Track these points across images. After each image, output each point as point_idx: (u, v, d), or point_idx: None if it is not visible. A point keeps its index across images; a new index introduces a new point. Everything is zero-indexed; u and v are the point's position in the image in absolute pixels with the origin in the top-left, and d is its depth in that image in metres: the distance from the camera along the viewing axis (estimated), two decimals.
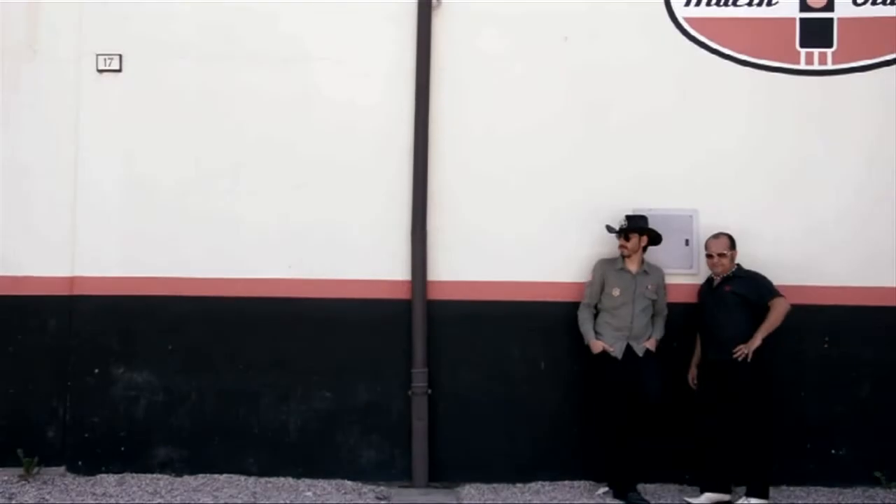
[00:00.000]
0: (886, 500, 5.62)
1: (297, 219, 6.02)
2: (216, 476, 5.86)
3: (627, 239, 5.67)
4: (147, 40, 6.09)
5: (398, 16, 6.06)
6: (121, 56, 6.07)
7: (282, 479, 5.87)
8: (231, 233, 6.02)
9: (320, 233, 6.01)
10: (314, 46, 6.10)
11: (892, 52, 6.04)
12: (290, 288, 5.99)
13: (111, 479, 5.82)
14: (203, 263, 6.00)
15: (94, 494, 5.55)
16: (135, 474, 5.87)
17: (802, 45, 6.10)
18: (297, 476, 5.90)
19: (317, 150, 6.05)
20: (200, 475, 5.87)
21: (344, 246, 6.01)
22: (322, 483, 5.83)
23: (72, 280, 6.03)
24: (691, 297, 5.84)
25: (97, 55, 6.07)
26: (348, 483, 5.85)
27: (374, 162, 6.05)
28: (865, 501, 5.60)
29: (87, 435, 5.97)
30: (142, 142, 6.07)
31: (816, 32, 6.10)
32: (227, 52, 6.08)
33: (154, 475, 5.87)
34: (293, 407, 5.99)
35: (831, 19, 6.10)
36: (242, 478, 5.86)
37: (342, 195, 6.03)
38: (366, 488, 5.78)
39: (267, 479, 5.86)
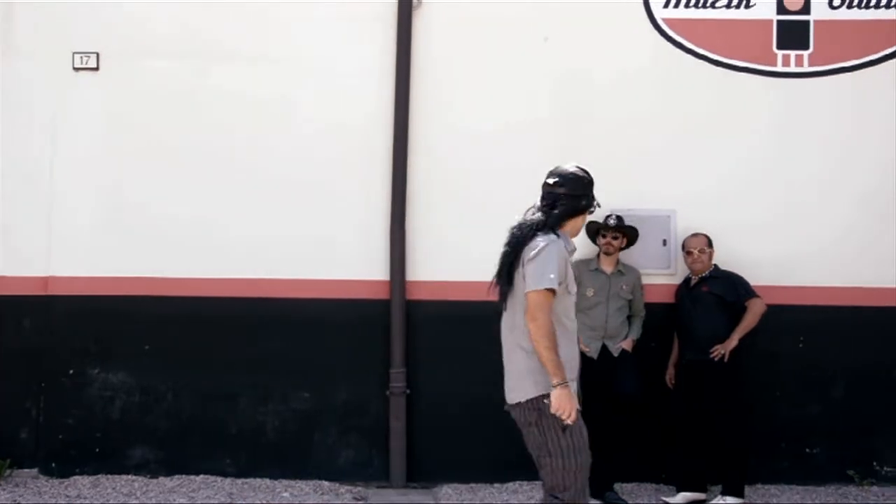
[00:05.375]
0: (859, 498, 5.68)
1: (275, 219, 5.99)
2: (192, 477, 5.82)
3: (615, 238, 5.69)
4: (126, 38, 6.03)
5: (378, 16, 6.04)
6: (98, 54, 6.01)
7: (259, 479, 5.84)
8: (208, 232, 5.97)
9: (299, 233, 5.98)
10: (293, 47, 6.06)
11: (866, 56, 6.10)
12: (269, 288, 5.96)
13: (85, 480, 5.77)
14: (180, 263, 5.95)
15: (67, 497, 5.50)
16: (109, 476, 5.81)
17: (780, 48, 6.14)
18: (275, 477, 5.88)
19: (295, 149, 6.02)
20: (176, 476, 5.83)
21: (322, 246, 5.98)
22: (299, 484, 5.81)
23: (46, 280, 5.97)
24: (669, 298, 5.87)
25: (74, 53, 6.00)
26: (326, 483, 5.83)
27: (352, 162, 6.03)
28: (838, 499, 5.66)
29: (60, 436, 5.91)
30: (119, 140, 6.02)
31: (793, 35, 6.14)
32: (205, 52, 6.03)
33: (129, 477, 5.82)
34: (271, 407, 5.96)
35: (808, 22, 6.15)
36: (219, 479, 5.82)
37: (321, 195, 6.01)
38: (343, 489, 5.77)
39: (244, 479, 5.82)
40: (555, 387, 3.39)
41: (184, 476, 5.83)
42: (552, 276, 3.43)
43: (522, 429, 3.59)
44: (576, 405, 3.44)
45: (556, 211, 3.62)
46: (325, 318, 5.94)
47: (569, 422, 3.40)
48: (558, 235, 3.58)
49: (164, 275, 5.94)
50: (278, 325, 5.95)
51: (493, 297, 3.74)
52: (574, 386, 3.55)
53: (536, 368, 3.48)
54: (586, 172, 3.75)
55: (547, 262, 3.45)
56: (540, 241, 3.50)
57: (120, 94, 6.02)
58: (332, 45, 6.06)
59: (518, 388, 3.56)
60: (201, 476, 5.84)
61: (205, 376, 5.93)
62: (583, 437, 3.51)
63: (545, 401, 3.44)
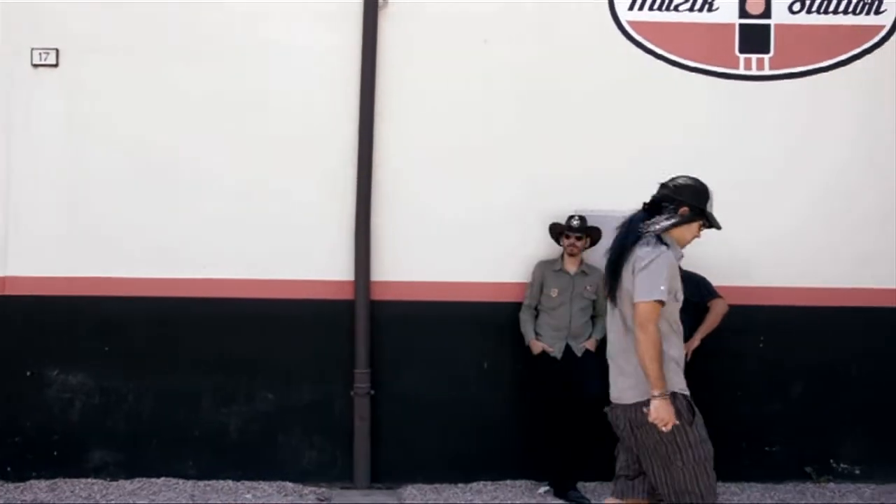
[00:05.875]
0: (816, 494, 5.79)
1: (237, 218, 5.93)
2: (153, 480, 5.74)
3: (580, 238, 5.72)
4: (86, 34, 5.91)
5: (344, 14, 5.99)
6: (58, 50, 5.90)
7: (221, 481, 5.78)
8: (169, 232, 5.90)
9: (262, 232, 5.93)
10: (256, 42, 5.99)
11: (825, 60, 6.20)
12: (231, 288, 5.90)
13: (42, 484, 5.66)
14: (141, 263, 5.87)
15: (23, 501, 5.40)
16: (67, 479, 5.71)
17: (741, 51, 6.22)
18: (237, 478, 5.82)
19: (258, 147, 5.96)
20: (137, 479, 5.74)
21: (286, 246, 5.93)
22: (262, 485, 5.76)
23: (3, 280, 5.85)
24: None
25: (32, 49, 5.87)
26: (289, 485, 5.79)
27: (317, 161, 5.99)
28: (796, 496, 5.75)
29: (17, 439, 5.80)
30: (78, 137, 5.91)
31: (754, 38, 6.23)
32: (169, 49, 5.95)
33: (88, 480, 5.72)
34: (234, 408, 5.90)
35: (769, 26, 6.23)
36: (180, 481, 5.75)
37: (284, 194, 5.96)
38: (307, 489, 5.74)
39: (206, 481, 5.76)
40: (655, 397, 3.47)
41: (144, 479, 5.75)
42: (662, 287, 3.49)
43: (634, 429, 3.62)
44: (674, 417, 3.50)
45: (663, 217, 3.66)
46: (289, 318, 5.89)
47: (665, 430, 3.48)
48: (667, 244, 3.62)
49: (123, 275, 5.85)
50: (241, 326, 5.89)
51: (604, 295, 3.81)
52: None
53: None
54: (701, 184, 3.76)
55: (658, 273, 3.50)
56: (651, 252, 3.55)
57: (80, 91, 5.91)
58: (296, 41, 6.00)
59: (636, 388, 3.60)
60: (162, 478, 5.76)
61: (166, 377, 5.85)
62: (703, 428, 3.62)
63: (673, 398, 3.53)
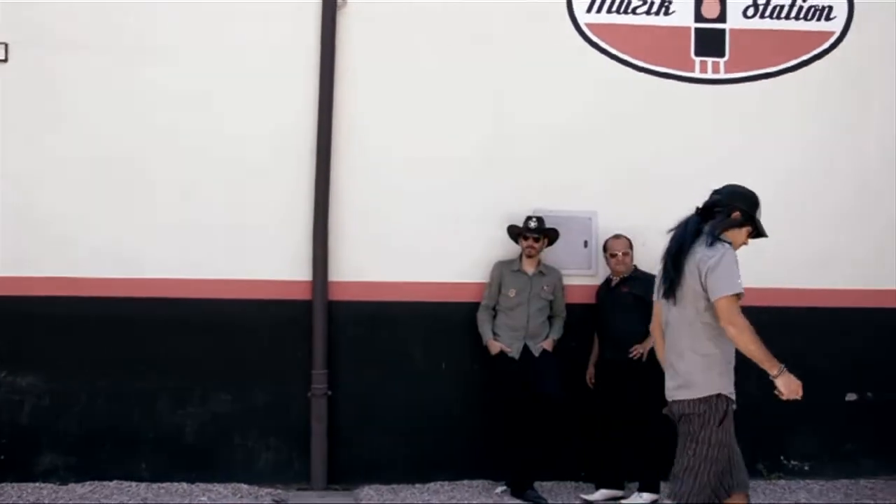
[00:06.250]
0: (767, 491, 5.89)
1: (194, 217, 5.85)
2: (105, 483, 5.64)
3: (537, 240, 5.75)
4: (37, 29, 5.78)
5: (302, 12, 5.95)
6: (6, 45, 5.74)
7: (176, 484, 5.70)
8: (124, 232, 5.80)
9: (219, 232, 5.86)
10: (213, 42, 5.92)
11: (778, 64, 6.31)
12: (187, 289, 5.82)
13: None
14: (94, 263, 5.75)
15: None
16: (15, 484, 5.57)
17: (697, 54, 6.30)
18: (192, 481, 5.75)
19: (215, 147, 5.89)
20: (88, 482, 5.63)
21: (244, 246, 5.87)
22: (218, 487, 5.70)
23: None
24: (589, 298, 5.97)
25: None
26: (245, 486, 5.73)
27: (275, 161, 5.93)
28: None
29: None
30: (28, 135, 5.77)
31: (710, 42, 6.31)
32: (122, 45, 5.84)
33: (37, 484, 5.59)
34: (189, 410, 5.83)
35: (724, 30, 6.32)
36: (133, 484, 5.66)
37: (242, 194, 5.90)
38: (263, 491, 5.68)
39: (160, 484, 5.67)
40: (776, 377, 3.64)
41: (96, 482, 5.64)
42: (739, 280, 3.64)
43: (678, 422, 3.78)
44: (800, 385, 3.65)
45: (718, 220, 3.80)
46: (246, 319, 5.84)
47: (797, 397, 3.63)
48: (727, 242, 3.75)
49: (75, 275, 5.74)
50: (198, 327, 5.81)
51: (659, 294, 3.89)
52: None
53: (712, 369, 3.71)
54: (752, 192, 3.93)
55: (730, 268, 3.64)
56: (716, 250, 3.68)
57: (30, 87, 5.77)
58: (255, 41, 5.94)
59: (693, 385, 3.73)
60: (115, 482, 5.66)
61: (120, 379, 5.75)
62: (731, 434, 3.77)
63: (717, 398, 3.69)
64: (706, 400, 3.70)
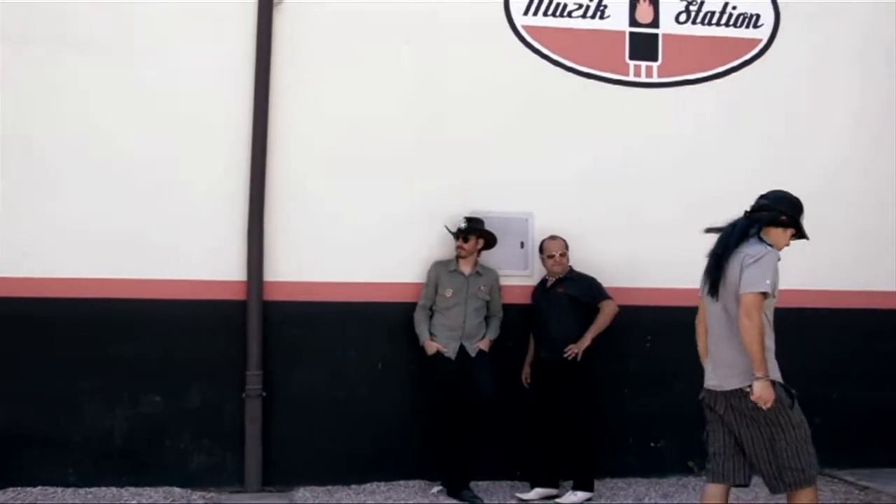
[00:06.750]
0: (697, 487, 5.98)
1: (125, 216, 5.71)
2: (28, 489, 5.46)
3: (466, 240, 5.76)
4: None
5: (239, 10, 5.86)
6: None
7: (105, 488, 5.56)
8: (51, 231, 5.63)
9: (151, 232, 5.74)
10: (149, 39, 5.80)
11: (709, 69, 6.46)
12: (118, 289, 5.68)
13: None
14: (20, 262, 5.57)
15: None
16: None
17: (631, 58, 6.41)
18: (122, 485, 5.61)
19: (150, 146, 5.77)
20: (10, 489, 5.44)
21: (177, 245, 5.76)
22: (149, 491, 5.57)
23: None
24: (526, 298, 6.02)
25: None
26: (177, 490, 5.62)
27: (210, 160, 5.83)
28: (679, 489, 5.96)
29: None
30: None
31: (644, 46, 6.43)
32: (66, 40, 5.68)
33: None
34: (119, 412, 5.69)
35: (657, 35, 6.44)
36: (59, 489, 5.49)
37: (175, 193, 5.78)
38: (195, 495, 5.59)
39: (87, 489, 5.53)
40: (758, 379, 3.85)
41: (18, 488, 5.46)
42: (768, 281, 3.92)
43: (737, 413, 4.00)
44: (773, 396, 3.87)
45: (758, 220, 4.09)
46: (179, 319, 5.73)
47: (764, 408, 3.87)
48: (769, 244, 4.03)
49: (2, 274, 5.55)
50: (129, 327, 5.69)
51: (704, 290, 4.19)
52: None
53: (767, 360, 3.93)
54: (797, 197, 4.19)
55: (766, 269, 3.93)
56: (759, 250, 3.98)
57: None
58: (191, 38, 5.85)
59: (737, 376, 3.97)
60: (39, 487, 5.49)
61: (47, 381, 5.59)
62: (801, 413, 4.00)
63: (772, 383, 3.89)
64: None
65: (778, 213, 4.10)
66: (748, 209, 4.17)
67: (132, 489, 5.58)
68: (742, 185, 6.31)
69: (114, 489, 5.57)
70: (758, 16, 6.52)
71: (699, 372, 6.18)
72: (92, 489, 5.54)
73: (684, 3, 6.45)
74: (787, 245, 4.18)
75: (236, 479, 5.75)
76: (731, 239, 4.05)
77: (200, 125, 5.82)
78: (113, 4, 5.77)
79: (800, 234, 4.18)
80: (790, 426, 3.94)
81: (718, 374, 4.08)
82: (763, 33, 6.53)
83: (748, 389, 3.89)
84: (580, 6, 6.32)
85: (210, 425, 5.78)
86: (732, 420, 4.04)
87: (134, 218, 5.73)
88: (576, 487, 5.66)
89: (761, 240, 4.04)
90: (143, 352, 5.71)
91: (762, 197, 4.20)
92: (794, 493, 3.98)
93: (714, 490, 4.10)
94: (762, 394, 3.85)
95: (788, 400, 3.93)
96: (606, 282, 5.91)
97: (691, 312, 6.17)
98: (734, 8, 6.49)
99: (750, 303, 3.89)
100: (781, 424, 3.93)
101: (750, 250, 3.98)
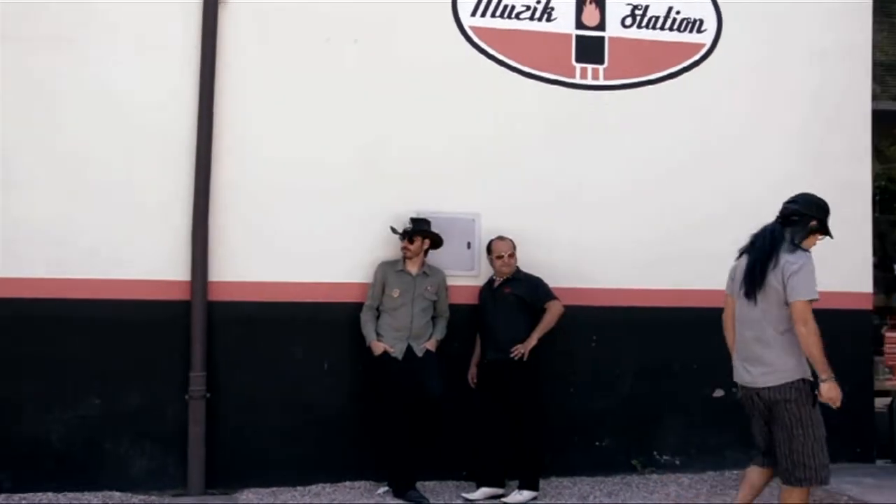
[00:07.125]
0: (640, 485, 6.09)
1: (63, 214, 5.58)
2: None
3: (411, 241, 5.76)
4: None
5: (184, 8, 5.77)
6: None
7: (40, 494, 5.42)
8: None
9: (91, 230, 5.61)
10: (93, 35, 5.68)
11: (654, 73, 6.55)
12: (56, 288, 5.55)
13: None
14: None
15: None
16: None
17: (578, 60, 6.46)
18: (59, 490, 5.48)
19: (91, 142, 5.65)
20: None
21: (118, 244, 5.65)
22: (87, 496, 5.46)
23: None
24: (472, 299, 6.03)
25: None
26: (117, 494, 5.52)
27: (154, 158, 5.73)
28: (623, 487, 6.03)
29: None
30: None
31: (590, 49, 6.48)
32: (6, 34, 5.53)
33: None
34: (56, 415, 5.55)
35: (603, 38, 6.51)
36: None
37: (118, 191, 5.67)
38: (136, 499, 5.49)
39: (22, 495, 5.38)
40: (824, 381, 4.10)
41: None
42: (815, 287, 4.16)
43: (770, 407, 4.25)
44: (841, 395, 4.13)
45: (799, 228, 4.30)
46: (120, 319, 5.61)
47: (835, 406, 4.13)
48: (805, 250, 4.25)
49: None
50: (67, 328, 5.55)
51: (739, 292, 4.36)
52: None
53: (794, 356, 4.20)
54: (823, 200, 4.40)
55: (811, 276, 4.16)
56: (799, 257, 4.19)
57: None
58: (135, 35, 5.74)
59: (772, 374, 4.23)
60: None
61: None
62: (820, 415, 4.24)
63: (802, 383, 4.18)
64: (794, 384, 4.19)
65: (810, 219, 4.30)
66: (779, 215, 4.35)
67: (70, 494, 5.46)
68: (695, 187, 6.51)
69: (50, 494, 5.44)
70: (701, 21, 6.62)
71: (644, 372, 6.36)
72: (27, 495, 5.40)
73: (630, 7, 6.52)
74: (814, 245, 4.37)
75: (179, 483, 5.66)
76: (769, 247, 4.24)
77: (146, 123, 5.72)
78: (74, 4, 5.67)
79: (826, 233, 4.39)
80: (811, 425, 4.18)
81: (753, 373, 4.30)
82: (706, 38, 6.64)
83: (785, 392, 4.14)
84: (527, 8, 6.36)
85: (152, 428, 5.67)
86: (768, 413, 4.29)
87: (77, 215, 5.60)
88: (521, 487, 5.69)
89: (797, 246, 4.24)
90: (83, 353, 5.59)
91: (792, 201, 4.39)
92: (790, 490, 4.24)
93: (755, 473, 4.42)
94: (831, 394, 4.10)
95: (812, 399, 4.17)
96: (552, 282, 5.94)
97: (636, 312, 6.35)
98: (678, 13, 6.59)
99: (803, 310, 4.12)
100: (803, 422, 4.17)
101: (790, 257, 4.19)
